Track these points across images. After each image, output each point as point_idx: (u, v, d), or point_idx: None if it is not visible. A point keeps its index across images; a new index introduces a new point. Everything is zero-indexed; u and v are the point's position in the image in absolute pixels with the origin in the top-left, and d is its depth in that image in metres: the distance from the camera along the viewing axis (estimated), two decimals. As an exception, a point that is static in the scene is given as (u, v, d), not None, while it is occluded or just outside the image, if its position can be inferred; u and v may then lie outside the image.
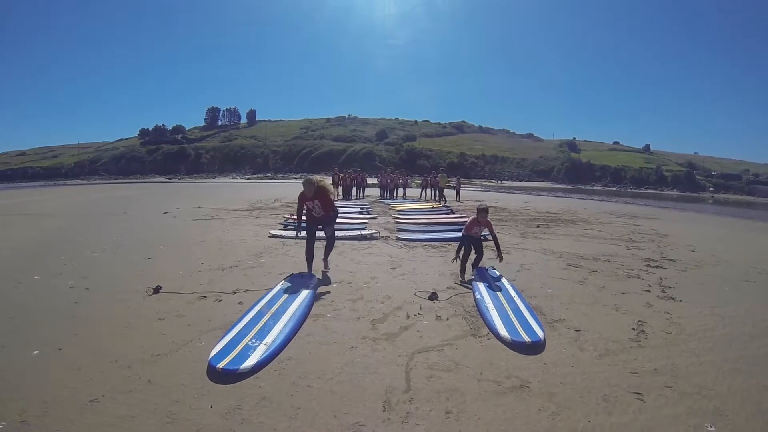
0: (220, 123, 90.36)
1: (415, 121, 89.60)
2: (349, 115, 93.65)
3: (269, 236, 7.40)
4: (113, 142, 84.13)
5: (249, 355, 2.68)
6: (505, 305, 3.73)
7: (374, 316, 3.55)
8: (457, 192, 18.65)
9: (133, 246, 6.37)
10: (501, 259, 4.83)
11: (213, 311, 3.59)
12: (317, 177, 5.10)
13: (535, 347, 2.97)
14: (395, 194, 18.63)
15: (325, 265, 4.98)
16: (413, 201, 16.46)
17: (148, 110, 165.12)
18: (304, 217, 4.85)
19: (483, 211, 4.81)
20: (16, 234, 7.57)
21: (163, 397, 2.28)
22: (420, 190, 19.27)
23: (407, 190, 20.76)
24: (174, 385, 2.41)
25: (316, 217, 4.81)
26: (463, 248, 4.81)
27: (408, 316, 3.56)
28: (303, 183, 4.67)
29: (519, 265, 5.52)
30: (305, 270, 4.69)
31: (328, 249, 5.03)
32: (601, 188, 53.46)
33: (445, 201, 15.52)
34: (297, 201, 4.80)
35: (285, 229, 8.20)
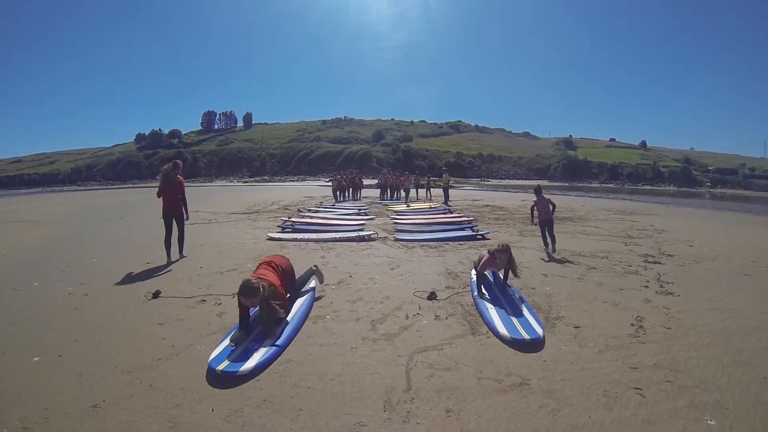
0: (216, 127, 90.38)
1: (412, 122, 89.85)
2: (345, 117, 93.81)
3: (267, 239, 7.39)
4: (109, 147, 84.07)
5: (249, 358, 2.68)
6: (504, 303, 3.74)
7: (374, 317, 3.55)
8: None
9: (132, 251, 6.36)
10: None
11: (213, 315, 3.58)
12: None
13: (534, 344, 2.98)
14: (397, 196, 18.50)
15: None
16: (411, 201, 16.45)
17: (144, 115, 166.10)
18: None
19: (502, 252, 4.01)
20: (14, 241, 7.54)
21: (164, 401, 2.28)
22: (415, 190, 19.26)
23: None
24: (175, 389, 2.40)
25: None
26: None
27: (407, 316, 3.57)
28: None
29: (517, 263, 5.51)
30: (303, 272, 4.68)
31: None
32: (598, 185, 53.60)
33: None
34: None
35: (283, 231, 8.23)
